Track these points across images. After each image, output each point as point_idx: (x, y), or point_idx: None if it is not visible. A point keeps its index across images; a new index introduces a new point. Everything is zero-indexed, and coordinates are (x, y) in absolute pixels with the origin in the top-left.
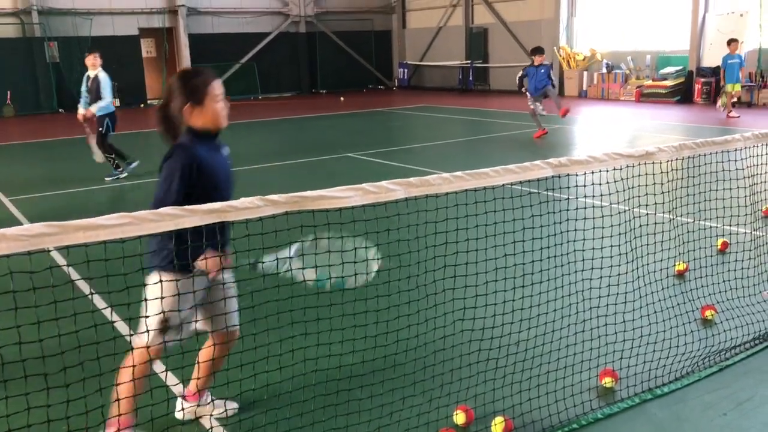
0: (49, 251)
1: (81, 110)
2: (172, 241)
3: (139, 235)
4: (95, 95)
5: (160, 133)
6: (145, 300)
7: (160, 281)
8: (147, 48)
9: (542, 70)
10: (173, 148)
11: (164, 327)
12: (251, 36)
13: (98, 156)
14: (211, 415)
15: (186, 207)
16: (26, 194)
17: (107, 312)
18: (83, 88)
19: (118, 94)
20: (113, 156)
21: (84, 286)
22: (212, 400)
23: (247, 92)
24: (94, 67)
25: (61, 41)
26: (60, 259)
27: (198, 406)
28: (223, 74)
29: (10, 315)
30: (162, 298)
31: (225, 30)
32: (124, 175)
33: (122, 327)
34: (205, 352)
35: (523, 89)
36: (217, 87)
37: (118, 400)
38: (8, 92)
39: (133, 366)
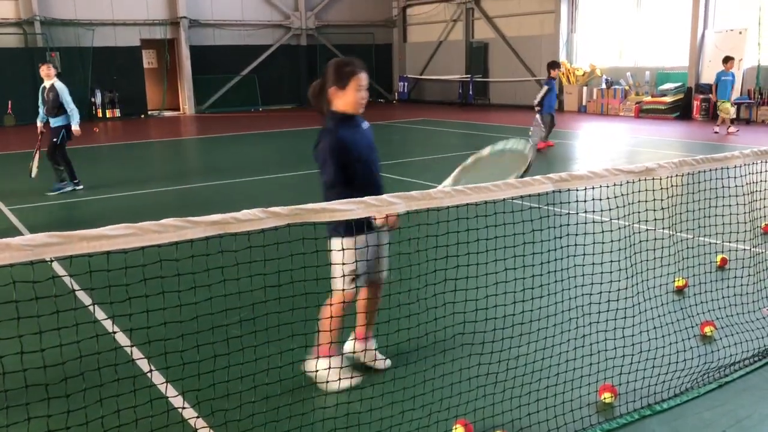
0: (52, 261)
1: (39, 122)
2: None
3: (141, 246)
4: (51, 106)
5: (312, 102)
6: (337, 260)
7: (343, 248)
8: (148, 59)
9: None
10: (320, 134)
11: (353, 277)
12: (252, 48)
13: (35, 171)
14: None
15: (189, 219)
16: (26, 203)
17: (108, 323)
18: (39, 100)
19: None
20: (62, 168)
21: (85, 297)
22: (376, 348)
23: (247, 104)
24: (49, 77)
25: (63, 51)
26: (60, 270)
27: (365, 350)
28: (224, 86)
29: (12, 324)
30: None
31: (226, 42)
32: (80, 188)
33: (122, 338)
34: (363, 303)
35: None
36: (363, 78)
37: (319, 331)
38: (9, 102)
39: (342, 302)
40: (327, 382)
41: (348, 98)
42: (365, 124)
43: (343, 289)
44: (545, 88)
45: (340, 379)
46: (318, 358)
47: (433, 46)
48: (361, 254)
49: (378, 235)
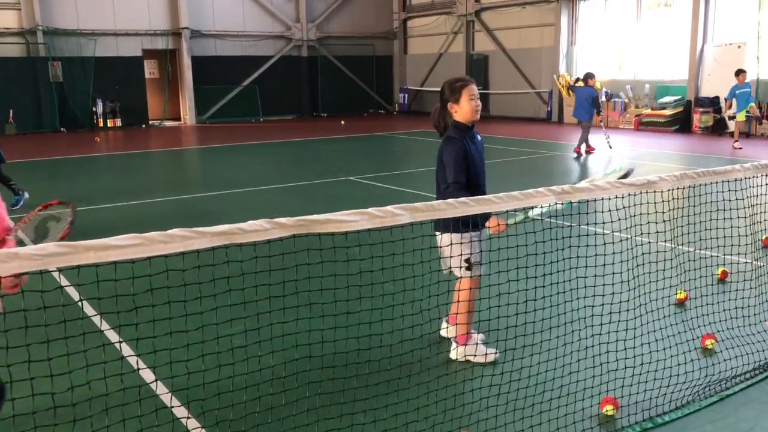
0: (59, 270)
1: None
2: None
3: (148, 256)
4: None
5: (434, 122)
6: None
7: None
8: (150, 69)
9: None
10: (445, 139)
11: (469, 266)
12: (254, 59)
13: None
14: (475, 356)
15: (196, 229)
16: (25, 212)
17: (114, 332)
18: None
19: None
20: (12, 183)
21: (89, 307)
22: (477, 343)
23: (248, 114)
24: None
25: (65, 61)
26: (64, 281)
27: (467, 345)
28: (225, 96)
29: (20, 333)
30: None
31: (228, 53)
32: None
33: (128, 348)
34: (463, 294)
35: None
36: (473, 89)
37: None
38: (11, 111)
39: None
40: (475, 356)
41: (464, 108)
42: (479, 137)
43: (471, 276)
44: (591, 98)
45: (486, 354)
46: (458, 346)
47: (433, 58)
48: (473, 247)
49: (480, 233)
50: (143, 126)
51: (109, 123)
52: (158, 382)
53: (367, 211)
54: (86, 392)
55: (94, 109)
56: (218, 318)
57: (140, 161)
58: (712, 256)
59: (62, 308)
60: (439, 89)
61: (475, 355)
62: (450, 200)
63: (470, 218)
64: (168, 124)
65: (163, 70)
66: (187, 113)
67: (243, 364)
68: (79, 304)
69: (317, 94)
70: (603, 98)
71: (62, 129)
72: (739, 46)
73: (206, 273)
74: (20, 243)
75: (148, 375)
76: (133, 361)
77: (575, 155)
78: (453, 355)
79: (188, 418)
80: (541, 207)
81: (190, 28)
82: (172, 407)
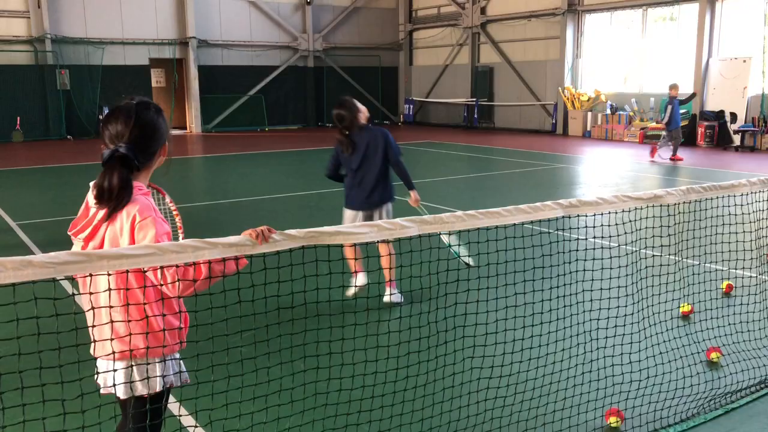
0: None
1: None
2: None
3: (160, 265)
4: None
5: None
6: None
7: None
8: (157, 78)
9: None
10: (371, 128)
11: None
12: (260, 69)
13: None
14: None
15: (207, 240)
16: (34, 219)
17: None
18: None
19: None
20: None
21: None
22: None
23: (254, 124)
24: None
25: (73, 69)
26: (69, 288)
27: (392, 294)
28: (231, 105)
29: (33, 340)
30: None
31: (234, 62)
32: None
33: None
34: (384, 259)
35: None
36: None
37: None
38: (18, 118)
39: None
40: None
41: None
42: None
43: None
44: (669, 107)
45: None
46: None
47: (438, 70)
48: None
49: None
50: None
51: None
52: (170, 392)
53: (376, 223)
54: (96, 399)
55: (100, 117)
56: (228, 329)
57: (162, 168)
58: (717, 269)
59: (74, 316)
60: (444, 101)
61: (391, 294)
62: (458, 213)
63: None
64: (174, 132)
65: (169, 79)
66: (193, 122)
67: (251, 375)
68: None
69: (323, 104)
70: (608, 111)
71: (69, 137)
72: (744, 60)
73: (216, 284)
74: None
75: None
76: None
77: (672, 162)
78: (386, 299)
79: (195, 426)
80: (452, 245)
81: (197, 37)
82: (180, 416)
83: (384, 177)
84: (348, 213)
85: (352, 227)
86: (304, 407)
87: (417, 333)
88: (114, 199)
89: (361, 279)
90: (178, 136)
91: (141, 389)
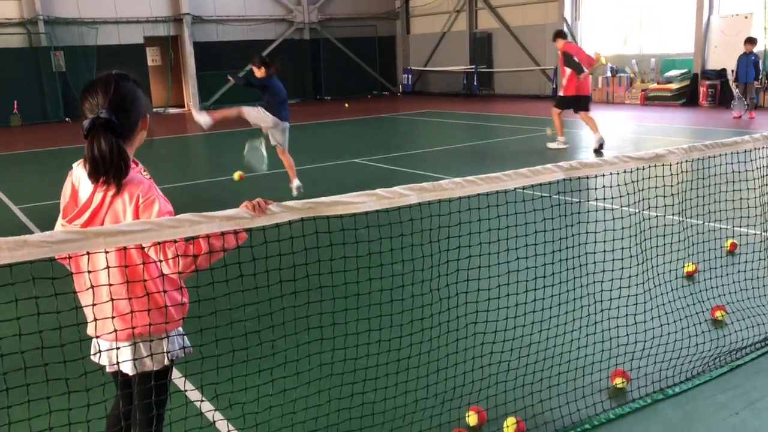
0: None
1: None
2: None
3: (158, 241)
4: None
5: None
6: None
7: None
8: (152, 56)
9: (752, 58)
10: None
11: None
12: (256, 43)
13: None
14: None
15: (205, 214)
16: (35, 202)
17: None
18: None
19: None
20: None
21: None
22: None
23: (252, 100)
24: None
25: (67, 50)
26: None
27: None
28: (228, 82)
29: (32, 320)
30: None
31: (230, 38)
32: None
33: None
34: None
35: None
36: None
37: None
38: (15, 102)
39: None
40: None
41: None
42: None
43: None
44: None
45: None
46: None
47: (436, 38)
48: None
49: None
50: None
51: None
52: (173, 366)
53: (375, 192)
54: (100, 378)
55: None
56: (231, 303)
57: (144, 149)
58: (721, 228)
59: (73, 295)
60: (442, 69)
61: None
62: (456, 179)
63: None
64: (172, 111)
65: (165, 57)
66: (191, 100)
67: (256, 349)
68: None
69: (320, 78)
70: (608, 73)
71: (67, 119)
72: (746, 17)
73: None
74: None
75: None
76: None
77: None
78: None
79: (201, 401)
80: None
81: (191, 13)
82: (186, 390)
83: None
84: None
85: (351, 196)
86: (309, 378)
87: (420, 301)
88: (112, 168)
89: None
90: (176, 115)
91: (148, 365)
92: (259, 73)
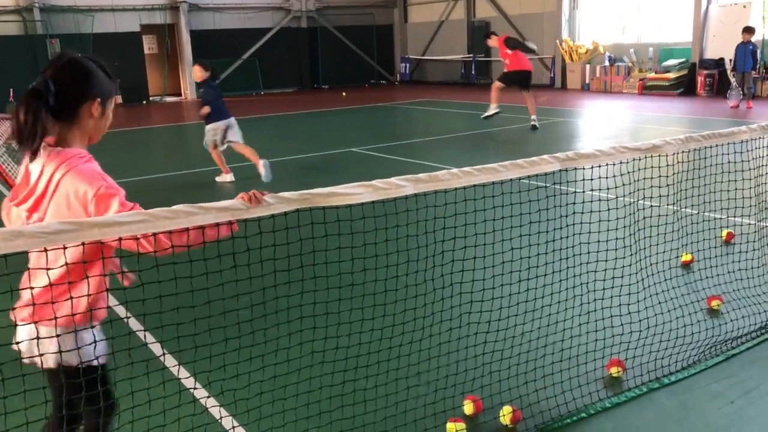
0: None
1: None
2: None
3: (153, 232)
4: None
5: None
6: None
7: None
8: (149, 45)
9: (750, 48)
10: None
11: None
12: (253, 32)
13: None
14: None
15: (200, 204)
16: None
17: (122, 308)
18: None
19: None
20: None
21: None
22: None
23: (248, 88)
24: None
25: (63, 38)
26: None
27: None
28: (225, 70)
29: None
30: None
31: (226, 26)
32: None
33: (136, 323)
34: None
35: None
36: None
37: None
38: (11, 90)
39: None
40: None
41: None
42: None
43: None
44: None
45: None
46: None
47: (434, 26)
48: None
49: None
50: (144, 102)
51: None
52: (166, 355)
53: (371, 183)
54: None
55: None
56: (225, 293)
57: (142, 137)
58: (716, 218)
59: (68, 285)
60: (440, 58)
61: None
62: (453, 170)
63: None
64: (169, 99)
65: (161, 46)
66: (188, 88)
67: (249, 337)
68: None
69: (318, 66)
70: (606, 63)
71: None
72: (744, 6)
73: (212, 249)
74: None
75: (156, 348)
76: (140, 335)
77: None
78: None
79: (195, 388)
80: None
81: (187, 1)
82: (180, 378)
83: None
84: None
85: (347, 187)
86: (300, 366)
87: (414, 291)
88: (31, 137)
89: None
90: (174, 104)
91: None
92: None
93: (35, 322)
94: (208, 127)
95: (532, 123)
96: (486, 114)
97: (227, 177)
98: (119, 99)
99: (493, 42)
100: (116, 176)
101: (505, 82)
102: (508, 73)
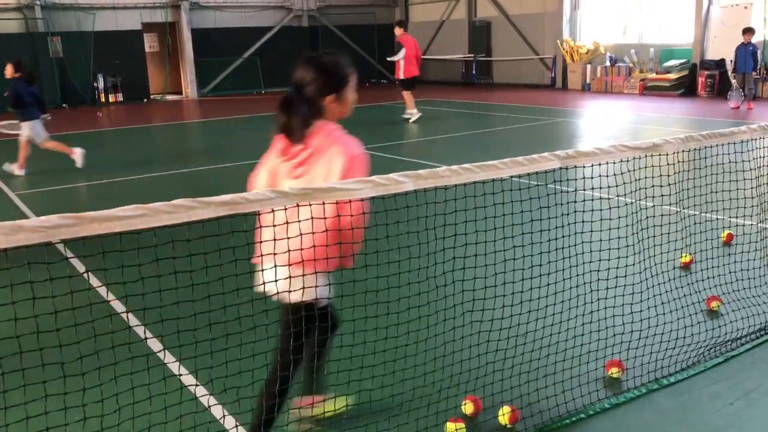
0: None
1: None
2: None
3: (153, 226)
4: None
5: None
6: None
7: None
8: (150, 43)
9: (750, 49)
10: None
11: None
12: (254, 30)
13: None
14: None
15: (200, 199)
16: (32, 189)
17: (121, 303)
18: None
19: None
20: None
21: (94, 276)
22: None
23: (249, 87)
24: None
25: (65, 36)
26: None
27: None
28: (226, 69)
29: (28, 305)
30: None
31: (228, 24)
32: None
33: (135, 318)
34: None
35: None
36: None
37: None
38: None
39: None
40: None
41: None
42: None
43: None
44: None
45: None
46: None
47: (435, 26)
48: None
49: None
50: (145, 100)
51: (111, 98)
52: (166, 351)
53: (371, 179)
54: (95, 362)
55: (95, 84)
56: (224, 288)
57: (143, 135)
58: (717, 218)
59: (68, 279)
60: (441, 57)
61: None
62: (453, 167)
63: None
64: (170, 98)
65: (163, 44)
66: (189, 87)
67: (250, 333)
68: (85, 275)
69: None
70: (607, 63)
71: (64, 105)
72: (745, 7)
73: (211, 243)
74: None
75: (155, 344)
76: (140, 330)
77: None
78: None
79: (196, 385)
80: None
81: (189, 0)
82: (180, 375)
83: None
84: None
85: (347, 183)
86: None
87: (416, 288)
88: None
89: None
90: (175, 102)
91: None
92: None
93: (289, 265)
94: (23, 124)
95: (409, 116)
96: (409, 116)
97: (18, 171)
98: (120, 97)
99: (397, 33)
100: (122, 173)
101: (407, 87)
102: (404, 80)
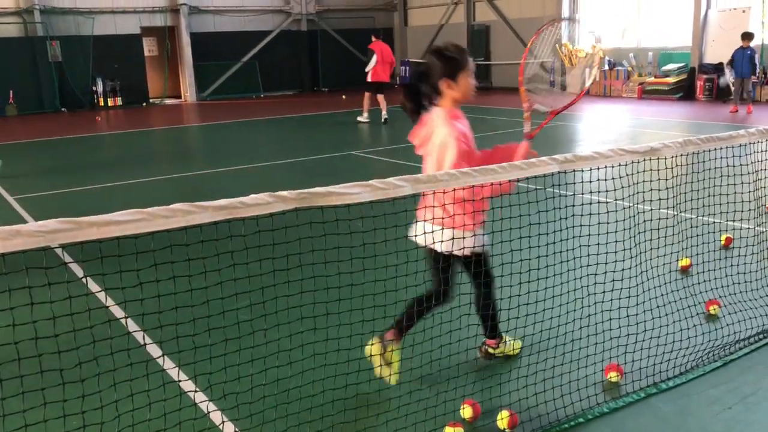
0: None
1: None
2: None
3: (150, 231)
4: None
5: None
6: None
7: None
8: (149, 47)
9: (748, 53)
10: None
11: None
12: (253, 34)
13: None
14: None
15: (197, 204)
16: (31, 193)
17: (120, 308)
18: None
19: None
20: None
21: (93, 283)
22: None
23: (248, 90)
24: None
25: (63, 40)
26: (66, 257)
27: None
28: (225, 73)
29: (26, 310)
30: None
31: (227, 28)
32: None
33: (134, 324)
34: None
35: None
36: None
37: None
38: (11, 91)
39: None
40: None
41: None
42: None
43: None
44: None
45: None
46: None
47: (434, 30)
48: None
49: None
50: (144, 104)
51: (110, 102)
52: (165, 356)
53: (369, 183)
54: (94, 368)
55: (94, 88)
56: (223, 293)
57: (142, 139)
58: (715, 222)
59: (67, 285)
60: None
61: None
62: (451, 171)
63: None
64: (168, 102)
65: (162, 48)
66: (188, 90)
67: (249, 338)
68: (84, 280)
69: (317, 69)
70: (606, 67)
71: (63, 109)
72: (743, 11)
73: (210, 248)
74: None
75: (154, 350)
76: (139, 336)
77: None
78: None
79: (196, 391)
80: None
81: (188, 4)
82: (180, 381)
83: None
84: None
85: (345, 187)
86: (302, 368)
87: (413, 292)
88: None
89: None
90: (174, 106)
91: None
92: None
93: (452, 228)
94: None
95: (365, 119)
96: (361, 119)
97: None
98: (119, 101)
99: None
100: (121, 177)
101: (370, 90)
102: (370, 83)
